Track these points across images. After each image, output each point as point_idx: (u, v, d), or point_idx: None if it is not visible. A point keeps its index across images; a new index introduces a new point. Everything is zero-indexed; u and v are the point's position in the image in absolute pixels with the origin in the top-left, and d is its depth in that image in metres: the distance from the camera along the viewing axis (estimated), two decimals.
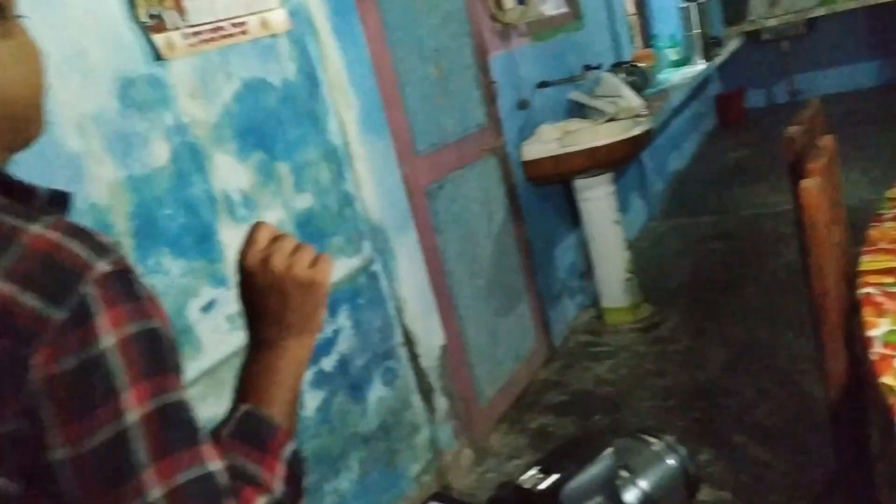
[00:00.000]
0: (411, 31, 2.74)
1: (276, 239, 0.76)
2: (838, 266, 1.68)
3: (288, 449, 0.71)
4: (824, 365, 1.62)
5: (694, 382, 2.99)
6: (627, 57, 4.87)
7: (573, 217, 3.79)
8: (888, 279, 1.57)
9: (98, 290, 0.56)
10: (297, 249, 0.76)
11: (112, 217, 1.60)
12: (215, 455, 0.61)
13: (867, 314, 1.45)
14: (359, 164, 2.33)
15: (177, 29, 1.74)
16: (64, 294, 0.55)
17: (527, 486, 0.57)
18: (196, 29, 1.79)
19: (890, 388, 1.21)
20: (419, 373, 2.52)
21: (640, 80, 4.35)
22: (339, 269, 2.05)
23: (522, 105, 3.46)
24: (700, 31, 5.69)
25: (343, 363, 2.18)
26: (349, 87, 2.32)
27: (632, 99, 3.78)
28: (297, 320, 0.75)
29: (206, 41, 1.82)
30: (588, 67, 3.96)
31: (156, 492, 0.56)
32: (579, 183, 3.50)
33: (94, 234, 0.59)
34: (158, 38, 1.69)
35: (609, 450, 0.58)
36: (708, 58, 5.74)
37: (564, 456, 0.58)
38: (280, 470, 0.69)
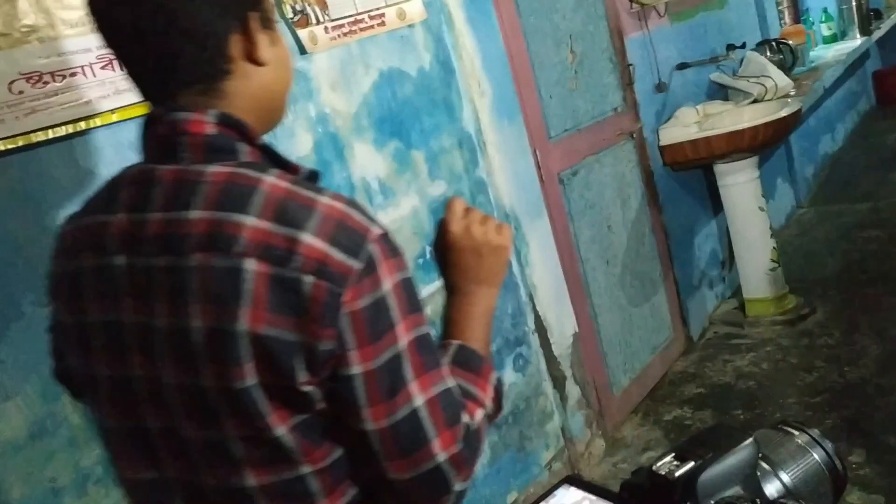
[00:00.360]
0: (545, 17, 2.72)
1: (468, 210, 0.96)
2: None
3: (494, 376, 0.88)
4: None
5: (844, 379, 2.81)
6: (775, 34, 4.61)
7: (714, 204, 3.65)
8: None
9: (377, 247, 0.74)
10: (485, 219, 0.95)
11: None
12: (450, 375, 0.79)
13: None
14: (491, 150, 2.34)
15: (319, 23, 1.81)
16: (358, 250, 0.73)
17: (662, 472, 0.56)
18: (337, 22, 1.86)
19: None
20: (551, 360, 2.51)
21: (788, 58, 4.11)
22: None
23: (660, 88, 3.36)
24: (857, 3, 5.30)
25: None
26: (483, 75, 2.34)
27: (779, 78, 3.58)
28: (486, 276, 0.94)
29: (346, 34, 1.89)
30: (731, 47, 3.78)
31: (418, 400, 0.75)
32: (720, 168, 3.36)
33: (361, 205, 0.78)
34: (303, 33, 1.77)
35: (750, 440, 0.56)
36: (866, 32, 5.35)
37: (702, 444, 0.57)
38: (490, 391, 0.86)
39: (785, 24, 5.21)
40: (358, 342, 0.73)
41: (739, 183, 3.36)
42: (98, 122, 1.41)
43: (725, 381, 3.02)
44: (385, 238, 0.76)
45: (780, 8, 5.19)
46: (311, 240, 0.72)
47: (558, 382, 2.54)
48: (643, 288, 3.11)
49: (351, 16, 1.91)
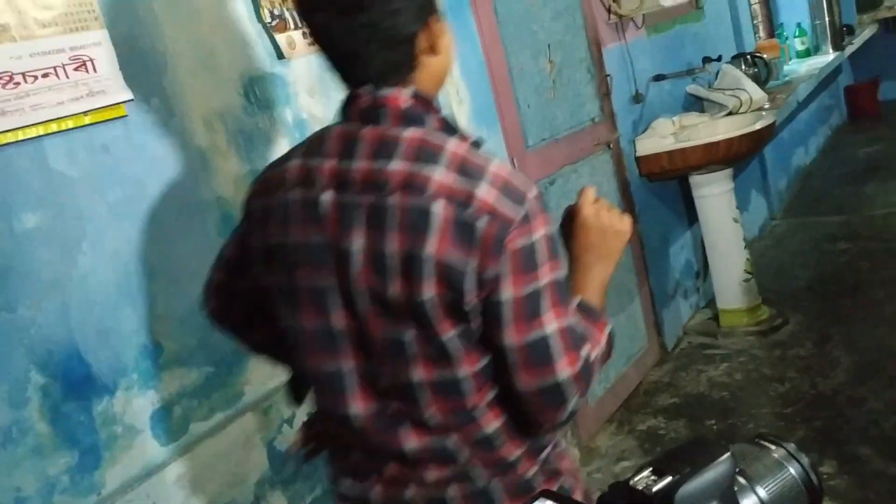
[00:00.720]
0: (524, 26, 2.73)
1: (598, 199, 1.16)
2: None
3: (608, 327, 1.08)
4: None
5: (816, 390, 2.85)
6: (750, 48, 4.68)
7: (689, 214, 3.68)
8: None
9: (533, 203, 0.95)
10: (611, 208, 1.15)
11: (236, 209, 1.67)
12: (576, 316, 1.00)
13: None
14: None
15: (298, 28, 1.80)
16: (521, 202, 0.94)
17: (640, 486, 0.56)
18: None
19: None
20: None
21: (763, 71, 4.16)
22: None
23: (637, 99, 3.38)
24: (830, 18, 5.40)
25: None
26: (461, 83, 2.34)
27: (754, 91, 3.63)
28: (607, 253, 1.13)
29: None
30: (707, 59, 3.83)
31: (551, 327, 0.94)
32: (696, 179, 3.39)
33: (520, 172, 1.08)
34: (281, 38, 1.76)
35: (727, 454, 0.56)
36: (838, 47, 5.45)
37: (679, 458, 0.56)
38: (604, 337, 1.05)
39: (760, 38, 5.29)
40: (513, 274, 0.93)
41: (714, 194, 3.39)
42: (70, 123, 1.38)
43: (699, 392, 3.04)
44: (539, 198, 0.98)
45: (755, 22, 5.27)
46: (484, 193, 0.94)
47: None
48: (618, 298, 3.12)
49: None
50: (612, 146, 3.16)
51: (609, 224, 1.13)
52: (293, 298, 1.04)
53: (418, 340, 0.97)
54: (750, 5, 5.20)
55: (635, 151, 3.32)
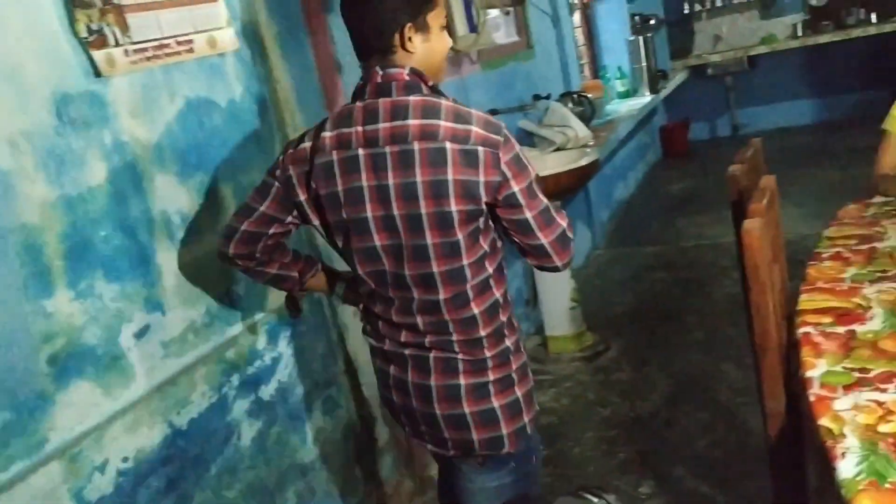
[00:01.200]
0: None
1: None
2: (778, 305, 1.70)
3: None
4: (763, 403, 1.64)
5: (635, 413, 3.01)
6: (577, 87, 4.94)
7: None
8: (826, 319, 1.60)
9: (505, 130, 1.43)
10: None
11: (43, 237, 1.53)
12: (564, 218, 1.51)
13: (806, 354, 1.47)
14: None
15: (118, 45, 1.68)
16: (499, 131, 1.42)
17: None
18: (139, 46, 1.74)
19: (828, 430, 1.22)
20: (361, 401, 2.47)
21: (588, 110, 4.40)
22: (279, 294, 2.00)
23: None
24: (647, 63, 5.81)
25: (282, 392, 2.13)
26: (296, 108, 2.28)
27: (580, 129, 3.82)
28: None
29: (149, 59, 1.77)
30: (537, 97, 4.00)
31: (545, 202, 1.48)
32: None
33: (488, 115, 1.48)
34: (98, 55, 1.64)
35: None
36: (654, 90, 5.86)
37: None
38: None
39: (585, 78, 5.61)
40: (513, 175, 1.42)
41: None
42: None
43: None
44: (509, 135, 1.45)
45: (581, 63, 5.58)
46: (476, 129, 1.41)
47: (368, 424, 2.50)
48: None
49: (156, 40, 1.79)
50: None
51: None
52: (345, 229, 1.51)
53: (438, 244, 1.44)
54: (576, 47, 5.51)
55: None
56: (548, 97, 4.05)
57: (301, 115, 2.29)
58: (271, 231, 1.59)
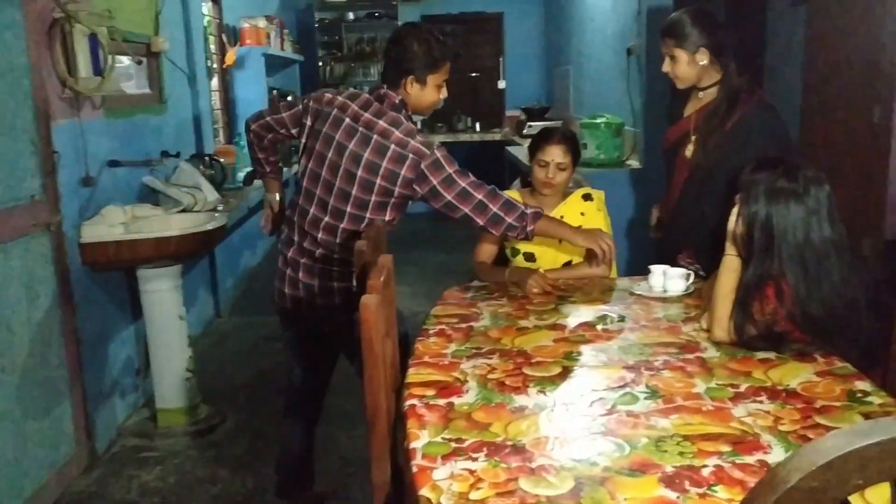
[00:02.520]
0: None
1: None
2: (389, 378, 1.78)
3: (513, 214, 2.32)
4: (372, 474, 1.68)
5: (247, 489, 2.91)
6: (210, 150, 4.83)
7: (134, 309, 3.52)
8: (430, 391, 1.71)
9: (436, 152, 2.28)
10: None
11: None
12: (482, 192, 2.30)
13: (411, 426, 1.55)
14: None
15: None
16: (430, 147, 2.29)
17: None
18: None
19: (427, 499, 1.28)
20: None
21: (219, 174, 4.32)
22: None
23: (88, 182, 3.16)
24: None
25: None
26: None
27: (209, 192, 3.71)
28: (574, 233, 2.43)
29: None
30: (166, 154, 3.81)
31: (473, 192, 2.30)
32: (144, 273, 3.28)
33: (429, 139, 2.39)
34: None
35: None
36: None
37: None
38: (511, 216, 2.32)
39: (220, 142, 5.51)
40: (431, 174, 2.25)
41: (162, 290, 3.32)
42: None
43: (130, 499, 2.84)
44: (440, 147, 2.29)
45: (216, 126, 5.49)
46: (413, 143, 2.25)
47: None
48: (45, 399, 2.78)
49: None
50: (52, 229, 2.87)
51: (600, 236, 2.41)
52: (312, 153, 2.36)
53: (358, 195, 2.27)
54: (213, 110, 5.41)
55: (80, 238, 3.07)
56: (177, 156, 3.88)
57: None
58: (281, 130, 2.51)
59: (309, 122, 2.39)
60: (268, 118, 2.49)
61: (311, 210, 2.34)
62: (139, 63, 3.79)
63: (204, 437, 3.31)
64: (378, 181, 2.24)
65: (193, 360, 3.44)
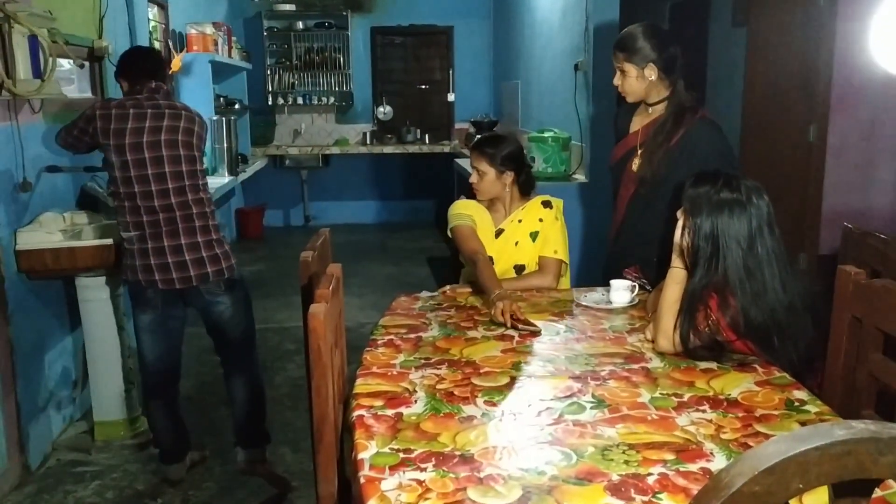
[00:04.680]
0: None
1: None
2: (337, 389, 1.77)
3: None
4: (317, 487, 1.66)
5: (188, 503, 2.84)
6: None
7: (72, 318, 3.42)
8: (378, 402, 1.70)
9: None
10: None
11: None
12: None
13: (359, 437, 1.54)
14: None
15: None
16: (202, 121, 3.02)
17: None
18: None
19: None
20: None
21: None
22: None
23: (24, 187, 3.07)
24: (228, 144, 5.83)
25: None
26: None
27: None
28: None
29: None
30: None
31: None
32: (83, 281, 3.19)
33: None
34: None
35: None
36: (233, 172, 5.89)
37: None
38: None
39: None
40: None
41: (101, 299, 3.23)
42: None
43: None
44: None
45: None
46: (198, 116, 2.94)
47: None
48: None
49: None
50: None
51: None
52: (123, 149, 2.70)
53: (188, 172, 2.80)
54: None
55: (16, 244, 2.97)
56: None
57: None
58: (94, 138, 2.83)
59: (109, 127, 2.85)
60: (85, 130, 2.87)
61: (153, 188, 2.75)
62: (81, 66, 3.69)
63: (143, 450, 3.23)
64: (194, 150, 2.90)
65: (133, 372, 3.36)
